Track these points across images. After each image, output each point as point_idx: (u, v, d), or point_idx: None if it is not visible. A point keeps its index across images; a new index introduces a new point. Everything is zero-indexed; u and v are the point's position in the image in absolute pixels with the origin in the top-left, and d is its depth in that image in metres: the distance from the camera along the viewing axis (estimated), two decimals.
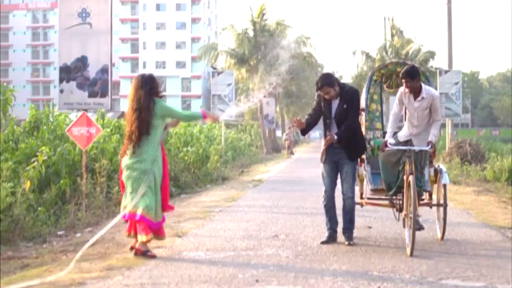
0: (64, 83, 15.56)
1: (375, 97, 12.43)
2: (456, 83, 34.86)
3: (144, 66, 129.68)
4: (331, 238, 11.13)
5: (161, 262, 9.56)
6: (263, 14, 59.47)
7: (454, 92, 34.60)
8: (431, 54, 60.95)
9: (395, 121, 10.82)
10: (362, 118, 11.82)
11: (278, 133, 78.17)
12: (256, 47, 58.23)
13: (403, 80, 10.52)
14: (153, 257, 9.90)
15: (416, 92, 10.59)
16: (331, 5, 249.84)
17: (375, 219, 13.60)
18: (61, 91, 15.64)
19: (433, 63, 60.16)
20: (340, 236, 11.16)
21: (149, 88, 10.22)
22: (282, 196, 19.34)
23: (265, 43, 58.16)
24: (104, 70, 15.48)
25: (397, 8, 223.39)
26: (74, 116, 15.50)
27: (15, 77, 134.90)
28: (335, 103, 10.94)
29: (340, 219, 11.20)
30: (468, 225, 13.46)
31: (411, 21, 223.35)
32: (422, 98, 10.59)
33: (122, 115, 35.37)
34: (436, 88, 39.61)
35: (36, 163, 13.46)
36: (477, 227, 13.17)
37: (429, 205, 11.56)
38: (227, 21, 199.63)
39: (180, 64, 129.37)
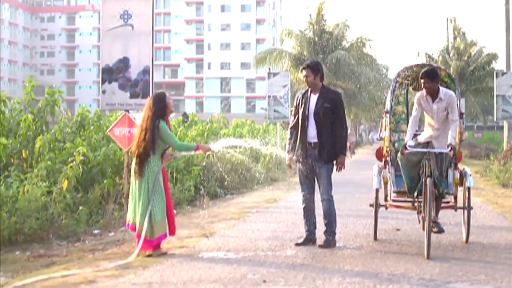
0: (106, 84, 15.78)
1: (401, 99, 12.38)
2: None
3: (209, 67, 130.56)
4: (307, 240, 11.18)
5: (177, 262, 9.68)
6: (322, 15, 59.10)
7: (511, 94, 34.07)
8: (493, 56, 59.91)
9: (414, 124, 10.84)
10: (387, 120, 11.80)
11: None
12: (315, 49, 57.92)
13: (422, 80, 10.65)
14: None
15: (434, 94, 10.63)
16: (394, 6, 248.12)
17: (407, 221, 13.51)
18: (103, 92, 15.86)
19: (495, 66, 59.03)
20: (356, 239, 11.24)
21: (156, 109, 10.36)
22: None
23: (325, 45, 57.87)
24: (145, 71, 15.64)
25: (460, 9, 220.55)
26: (131, 117, 15.63)
27: (81, 78, 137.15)
28: (313, 100, 11.07)
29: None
30: (499, 228, 13.28)
31: (475, 22, 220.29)
32: (440, 99, 10.63)
33: (185, 115, 35.63)
34: (492, 91, 39.13)
35: (74, 162, 13.67)
36: (508, 230, 12.98)
37: (454, 208, 11.46)
38: (292, 22, 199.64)
39: (245, 65, 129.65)
